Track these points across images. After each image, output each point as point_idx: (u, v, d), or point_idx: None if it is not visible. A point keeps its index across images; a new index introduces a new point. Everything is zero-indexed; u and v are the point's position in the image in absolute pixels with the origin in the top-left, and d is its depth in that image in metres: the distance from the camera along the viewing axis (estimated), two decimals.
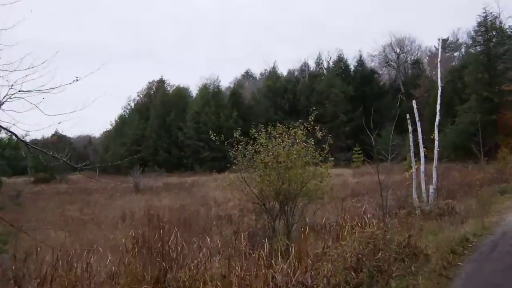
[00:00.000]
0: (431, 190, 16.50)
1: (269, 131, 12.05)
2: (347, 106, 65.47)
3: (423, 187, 16.61)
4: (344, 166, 54.46)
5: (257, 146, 11.74)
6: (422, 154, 17.36)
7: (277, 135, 11.89)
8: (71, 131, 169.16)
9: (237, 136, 11.86)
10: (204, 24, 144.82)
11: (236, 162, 11.99)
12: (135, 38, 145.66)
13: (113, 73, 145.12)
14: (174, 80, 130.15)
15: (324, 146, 12.59)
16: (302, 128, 12.12)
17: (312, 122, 12.50)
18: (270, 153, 11.40)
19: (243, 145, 11.83)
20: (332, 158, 12.79)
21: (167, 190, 34.78)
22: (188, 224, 15.58)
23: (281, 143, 11.60)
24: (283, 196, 11.19)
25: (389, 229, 9.07)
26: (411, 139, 17.55)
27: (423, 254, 8.24)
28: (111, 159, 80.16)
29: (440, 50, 24.17)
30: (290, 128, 12.01)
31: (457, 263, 8.57)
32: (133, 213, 17.29)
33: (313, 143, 12.18)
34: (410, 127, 17.53)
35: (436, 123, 18.09)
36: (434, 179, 17.02)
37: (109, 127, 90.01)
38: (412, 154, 17.37)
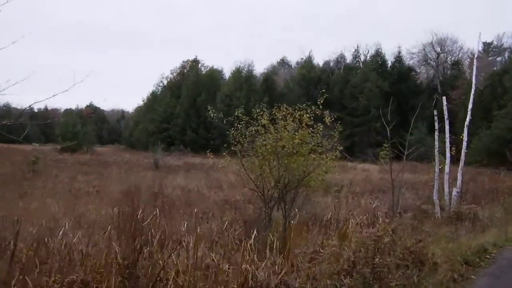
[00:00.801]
0: (454, 193, 15.63)
1: (273, 112, 10.87)
2: (380, 102, 64.21)
3: (446, 189, 15.81)
4: (371, 162, 53.92)
5: (259, 127, 10.62)
6: (448, 155, 16.50)
7: (281, 117, 10.59)
8: (106, 104, 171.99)
9: (239, 114, 10.95)
10: (241, 10, 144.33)
11: (235, 143, 10.97)
12: (173, 24, 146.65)
13: (150, 55, 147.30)
14: (209, 62, 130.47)
15: (333, 133, 11.03)
16: (309, 111, 10.70)
17: (321, 106, 11.05)
18: (272, 136, 10.33)
19: (243, 125, 10.84)
20: (341, 147, 11.22)
21: (186, 169, 34.43)
22: (189, 206, 14.98)
23: (286, 126, 10.38)
24: (283, 185, 10.06)
25: (397, 230, 8.39)
26: (436, 138, 16.62)
27: (432, 262, 7.43)
28: (139, 135, 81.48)
29: (478, 44, 22.91)
30: (296, 111, 10.65)
31: (470, 276, 7.72)
32: (140, 189, 16.97)
33: (321, 128, 10.79)
34: (436, 124, 16.68)
35: (467, 122, 17.20)
36: (459, 182, 16.14)
37: (141, 103, 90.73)
38: (436, 153, 16.31)
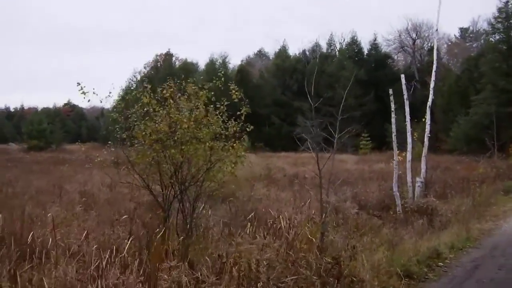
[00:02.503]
0: (417, 183, 14.20)
1: (158, 91, 8.87)
2: (357, 90, 62.83)
3: (408, 179, 14.33)
4: (351, 152, 52.66)
5: (141, 110, 8.57)
6: (409, 140, 14.92)
7: (169, 96, 8.58)
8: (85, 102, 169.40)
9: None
10: (221, 5, 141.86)
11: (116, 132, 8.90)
12: (154, 21, 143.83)
13: (131, 54, 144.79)
14: (186, 56, 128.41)
15: (240, 113, 9.07)
16: (206, 87, 9.01)
17: (224, 82, 9.37)
18: (159, 119, 8.38)
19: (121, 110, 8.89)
20: (247, 132, 9.06)
21: None
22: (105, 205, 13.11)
23: (178, 106, 8.47)
24: (180, 181, 8.16)
25: (324, 235, 6.81)
26: (393, 121, 14.95)
27: (357, 278, 5.73)
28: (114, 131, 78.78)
29: (438, 15, 20.95)
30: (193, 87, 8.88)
31: None
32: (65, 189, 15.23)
33: (225, 108, 8.87)
34: (392, 105, 15.05)
35: (429, 103, 15.77)
36: (423, 171, 14.65)
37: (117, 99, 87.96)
38: (394, 139, 14.62)
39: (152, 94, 8.63)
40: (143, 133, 8.33)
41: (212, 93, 8.93)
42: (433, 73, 16.47)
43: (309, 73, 67.82)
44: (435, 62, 16.95)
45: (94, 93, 8.45)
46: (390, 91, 15.04)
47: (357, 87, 63.19)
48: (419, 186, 13.98)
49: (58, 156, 43.39)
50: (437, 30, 18.53)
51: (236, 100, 9.01)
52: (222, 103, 8.92)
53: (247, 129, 9.00)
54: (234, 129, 8.81)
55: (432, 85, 16.12)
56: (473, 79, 50.11)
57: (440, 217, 11.08)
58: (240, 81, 68.25)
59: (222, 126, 8.74)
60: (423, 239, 8.61)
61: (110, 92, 8.99)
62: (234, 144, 8.72)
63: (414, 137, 15.16)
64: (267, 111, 65.30)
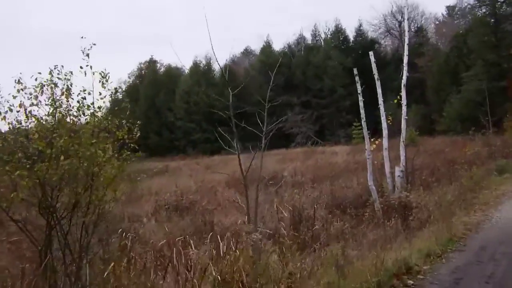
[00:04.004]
0: (397, 173, 12.53)
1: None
2: (346, 80, 61.24)
3: (387, 169, 12.71)
4: (344, 143, 51.20)
5: None
6: (384, 125, 13.26)
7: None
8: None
9: None
10: (209, 5, 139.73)
11: None
12: (141, 24, 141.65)
13: (120, 57, 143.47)
14: (171, 61, 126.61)
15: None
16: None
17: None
18: None
19: None
20: (136, 146, 7.09)
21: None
22: None
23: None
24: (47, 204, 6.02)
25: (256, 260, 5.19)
26: (361, 104, 13.28)
27: None
28: None
29: None
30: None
31: None
32: None
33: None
34: (358, 87, 13.39)
35: (403, 81, 14.15)
36: (402, 159, 13.02)
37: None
38: (364, 125, 12.97)
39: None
40: None
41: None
42: (405, 46, 15.06)
43: (295, 67, 66.51)
44: (406, 34, 15.51)
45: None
46: (355, 71, 13.48)
47: (345, 76, 61.80)
48: (399, 176, 12.35)
49: None
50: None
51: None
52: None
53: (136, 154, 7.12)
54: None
55: (405, 60, 14.59)
56: (463, 55, 48.72)
57: (420, 213, 9.39)
58: (226, 82, 66.87)
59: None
60: (392, 247, 6.96)
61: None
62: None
63: (389, 122, 13.53)
64: (255, 109, 63.68)
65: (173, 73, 75.49)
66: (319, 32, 73.54)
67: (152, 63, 77.65)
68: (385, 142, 12.88)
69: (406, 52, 14.81)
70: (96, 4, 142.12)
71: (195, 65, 69.66)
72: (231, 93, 9.13)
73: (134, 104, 72.28)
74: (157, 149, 64.93)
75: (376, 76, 13.62)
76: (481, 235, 7.91)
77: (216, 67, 73.75)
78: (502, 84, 41.44)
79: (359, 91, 13.23)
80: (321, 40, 72.63)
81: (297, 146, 56.79)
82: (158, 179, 28.86)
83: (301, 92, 64.33)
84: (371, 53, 14.56)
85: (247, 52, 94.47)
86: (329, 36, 71.39)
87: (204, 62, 71.05)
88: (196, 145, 63.14)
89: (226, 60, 79.58)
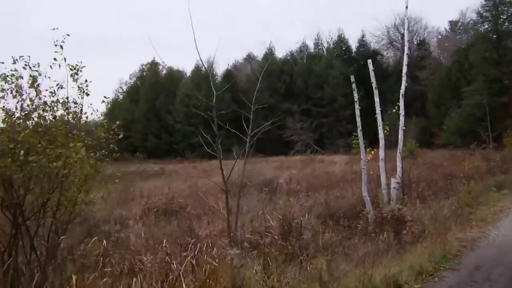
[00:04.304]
0: (393, 185, 12.20)
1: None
2: (346, 89, 61.01)
3: (383, 181, 12.38)
4: (343, 152, 50.93)
5: None
6: (381, 135, 12.96)
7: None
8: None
9: None
10: (213, 10, 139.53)
11: None
12: (150, 26, 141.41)
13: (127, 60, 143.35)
14: (174, 63, 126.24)
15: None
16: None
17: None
18: None
19: None
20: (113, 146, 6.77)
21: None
22: None
23: None
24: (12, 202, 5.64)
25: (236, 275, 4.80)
26: (357, 112, 12.94)
27: None
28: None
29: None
30: None
31: None
32: None
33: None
34: (355, 94, 13.12)
35: (402, 91, 13.89)
36: (398, 170, 12.70)
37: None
38: (360, 134, 12.66)
39: None
40: None
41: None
42: (405, 56, 14.77)
43: (297, 74, 66.33)
44: (406, 43, 15.27)
45: None
46: (352, 78, 13.20)
47: (346, 85, 61.51)
48: (394, 188, 12.02)
49: None
50: (407, 7, 16.44)
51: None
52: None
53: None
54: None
55: (404, 70, 14.36)
56: (464, 70, 48.64)
57: (415, 227, 9.03)
58: (227, 87, 66.68)
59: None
60: (382, 263, 6.61)
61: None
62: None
63: (385, 132, 13.23)
64: (256, 115, 63.37)
65: (174, 76, 75.36)
66: (321, 41, 73.58)
67: (154, 65, 77.37)
68: (381, 152, 12.57)
69: (405, 62, 14.60)
70: (97, 5, 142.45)
71: (197, 68, 69.34)
72: (214, 93, 9.00)
73: (135, 105, 72.24)
74: (155, 152, 64.87)
75: (374, 85, 13.35)
76: (476, 253, 7.57)
77: (218, 71, 73.70)
78: (503, 100, 41.32)
79: (355, 99, 12.95)
80: (324, 49, 72.51)
81: (296, 153, 56.55)
82: (153, 182, 28.56)
83: (302, 100, 64.12)
84: (369, 61, 14.32)
85: (249, 58, 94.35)
86: (331, 45, 71.26)
87: (206, 66, 70.71)
88: (195, 149, 62.90)
89: (228, 65, 79.70)
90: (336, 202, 13.39)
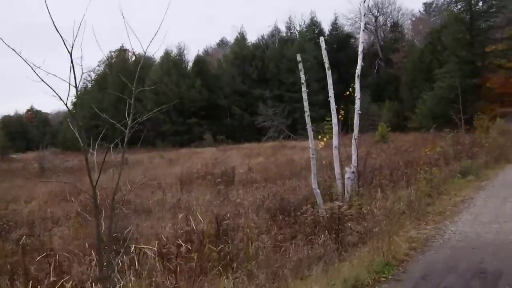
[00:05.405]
0: (347, 175, 11.10)
1: None
2: (319, 73, 59.93)
3: (337, 170, 11.26)
4: (317, 138, 50.05)
5: None
6: (334, 120, 11.80)
7: None
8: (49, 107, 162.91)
9: None
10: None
11: None
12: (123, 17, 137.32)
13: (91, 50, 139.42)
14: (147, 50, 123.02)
15: None
16: None
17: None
18: None
19: None
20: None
21: (71, 172, 27.88)
22: None
23: None
24: None
25: None
26: (305, 97, 11.79)
27: None
28: (71, 136, 74.62)
29: None
30: None
31: None
32: None
33: None
34: (302, 76, 11.83)
35: (357, 72, 12.66)
36: (353, 158, 11.57)
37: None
38: (307, 120, 11.53)
39: None
40: None
41: None
42: (361, 33, 13.53)
43: (269, 59, 64.95)
44: (362, 18, 14.10)
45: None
46: (298, 57, 11.86)
47: (319, 70, 60.41)
48: (349, 178, 10.90)
49: None
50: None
51: None
52: None
53: None
54: None
55: (360, 48, 13.07)
56: (437, 52, 47.97)
57: (363, 225, 7.90)
58: (198, 73, 65.13)
59: None
60: (310, 275, 5.45)
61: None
62: None
63: (340, 117, 12.11)
64: (227, 101, 62.13)
65: (144, 62, 73.27)
66: (294, 24, 72.16)
67: (122, 51, 75.09)
68: (335, 139, 11.43)
69: (361, 39, 13.39)
70: None
71: (166, 54, 67.40)
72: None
73: (103, 93, 70.03)
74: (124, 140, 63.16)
75: (327, 65, 12.16)
76: (427, 257, 6.42)
77: (188, 57, 71.88)
78: (475, 82, 40.82)
79: (302, 81, 11.69)
80: (296, 33, 71.17)
81: (269, 140, 55.48)
82: (114, 174, 26.82)
83: (274, 85, 62.91)
84: (321, 38, 13.07)
85: (222, 44, 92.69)
86: (304, 29, 70.00)
87: (175, 51, 68.92)
88: (166, 137, 61.46)
89: (198, 50, 77.74)
90: (291, 193, 12.25)
